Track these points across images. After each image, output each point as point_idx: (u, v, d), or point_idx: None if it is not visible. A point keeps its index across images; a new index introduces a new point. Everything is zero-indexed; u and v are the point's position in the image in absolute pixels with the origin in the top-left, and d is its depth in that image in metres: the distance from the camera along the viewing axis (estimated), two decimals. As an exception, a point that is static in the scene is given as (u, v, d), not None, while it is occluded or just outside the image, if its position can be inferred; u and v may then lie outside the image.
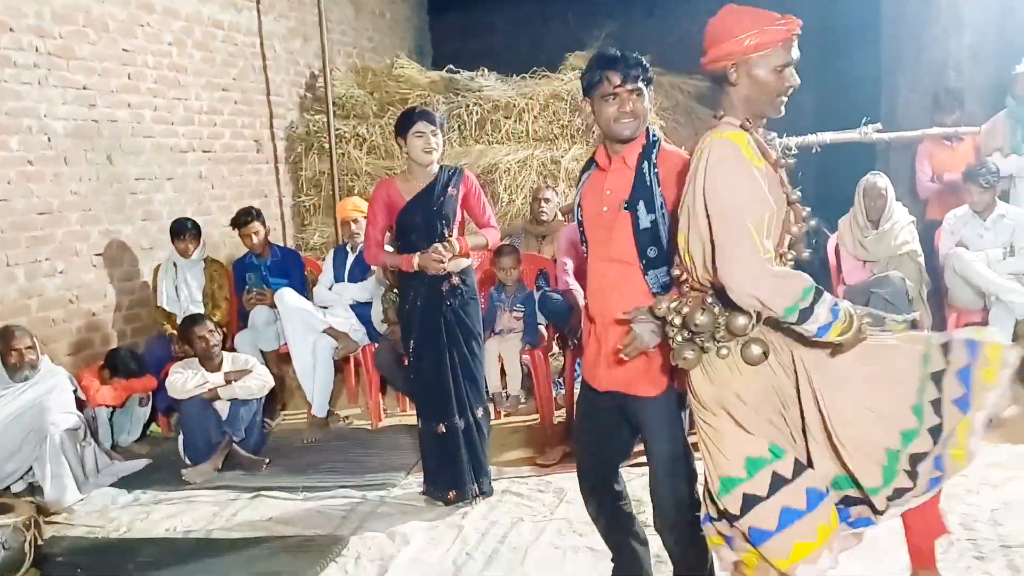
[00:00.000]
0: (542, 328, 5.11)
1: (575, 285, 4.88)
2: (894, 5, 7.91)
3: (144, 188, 6.04)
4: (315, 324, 5.49)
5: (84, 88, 5.54)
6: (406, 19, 10.05)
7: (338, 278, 5.77)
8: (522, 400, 5.25)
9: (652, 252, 2.60)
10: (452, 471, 4.06)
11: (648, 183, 2.62)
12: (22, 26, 5.12)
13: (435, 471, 4.13)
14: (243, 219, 5.81)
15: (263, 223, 5.87)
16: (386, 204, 4.07)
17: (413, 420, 4.24)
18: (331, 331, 5.50)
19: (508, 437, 4.99)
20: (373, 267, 5.42)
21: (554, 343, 5.30)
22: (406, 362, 4.29)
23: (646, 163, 2.63)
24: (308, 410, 5.56)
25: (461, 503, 4.04)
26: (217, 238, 6.58)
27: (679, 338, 2.32)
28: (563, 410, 5.10)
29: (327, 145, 7.27)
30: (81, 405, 4.85)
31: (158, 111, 6.16)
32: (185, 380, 4.87)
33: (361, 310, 5.63)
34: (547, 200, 5.89)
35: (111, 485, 4.66)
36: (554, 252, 5.56)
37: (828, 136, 6.22)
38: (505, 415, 5.32)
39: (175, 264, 5.76)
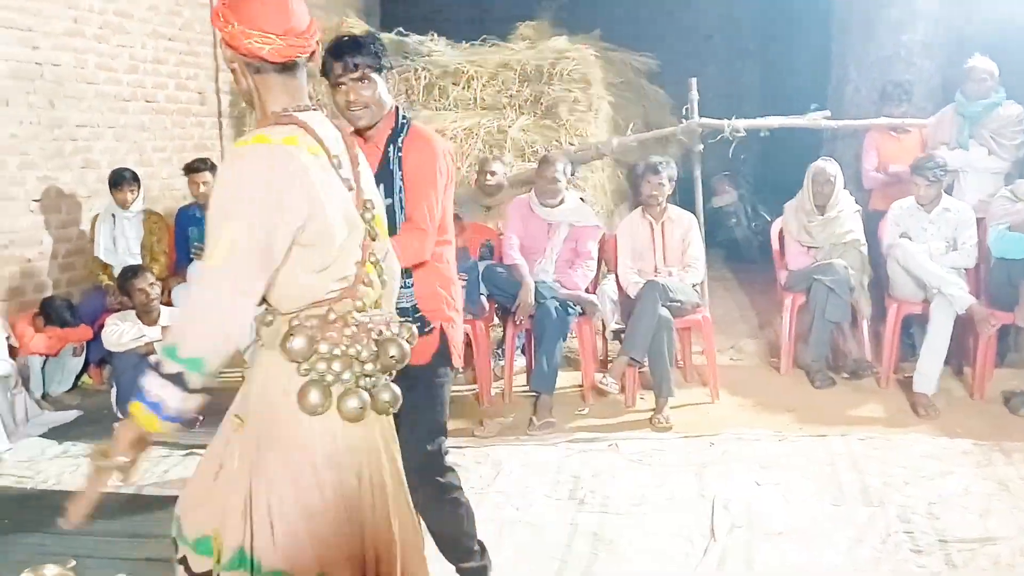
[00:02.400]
0: (484, 299, 5.19)
1: (520, 260, 4.98)
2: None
3: (85, 135, 5.92)
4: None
5: (28, 30, 5.39)
6: (356, -22, 9.90)
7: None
8: (460, 370, 5.34)
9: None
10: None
11: (391, 167, 2.65)
12: (-36, -39, 4.96)
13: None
14: (197, 165, 5.82)
15: (211, 179, 5.82)
16: None
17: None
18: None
19: (445, 407, 5.07)
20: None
21: (495, 315, 5.38)
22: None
23: (391, 147, 2.66)
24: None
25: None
26: (157, 191, 6.48)
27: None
28: (501, 382, 5.21)
29: (272, 101, 7.19)
30: (13, 352, 4.79)
31: (102, 57, 6.03)
32: (121, 333, 4.83)
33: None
34: (493, 173, 5.92)
35: (40, 436, 4.64)
36: (499, 224, 5.65)
37: (776, 121, 6.35)
38: (441, 384, 5.39)
39: (113, 215, 5.68)
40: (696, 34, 11.50)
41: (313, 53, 1.93)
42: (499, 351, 5.49)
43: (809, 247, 5.44)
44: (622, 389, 4.97)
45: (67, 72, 5.72)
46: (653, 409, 4.81)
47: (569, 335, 5.15)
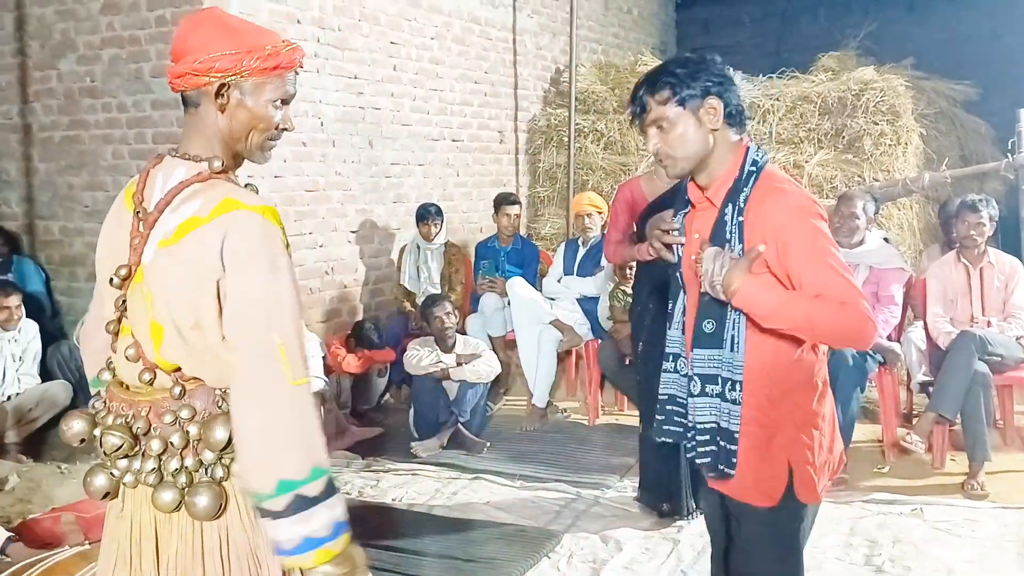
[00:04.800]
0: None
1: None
2: None
3: (397, 172, 6.44)
4: (542, 315, 5.63)
5: (355, 77, 5.97)
6: (652, 15, 10.00)
7: (567, 271, 5.88)
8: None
9: (708, 326, 2.11)
10: (669, 482, 4.02)
11: (727, 232, 2.07)
12: (307, 18, 5.57)
13: (651, 479, 4.12)
14: (510, 198, 6.18)
15: (520, 212, 6.16)
16: (629, 204, 4.07)
17: (630, 420, 4.22)
18: (557, 323, 5.62)
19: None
20: (603, 264, 5.49)
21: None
22: (628, 362, 4.29)
23: (730, 206, 2.07)
24: (528, 399, 5.73)
25: (676, 516, 4.01)
26: (457, 223, 6.89)
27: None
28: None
29: (566, 139, 7.43)
30: (328, 371, 5.26)
31: (416, 100, 6.54)
32: (420, 357, 5.15)
33: (588, 305, 5.71)
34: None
35: (348, 449, 5.03)
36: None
37: None
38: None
39: (418, 246, 6.10)
40: (1024, 58, 10.41)
41: (186, 88, 1.68)
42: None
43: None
44: (929, 448, 4.55)
45: (385, 115, 6.26)
46: (966, 473, 4.35)
47: (868, 385, 4.80)
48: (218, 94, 1.66)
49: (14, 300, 4.87)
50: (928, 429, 4.47)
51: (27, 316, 4.97)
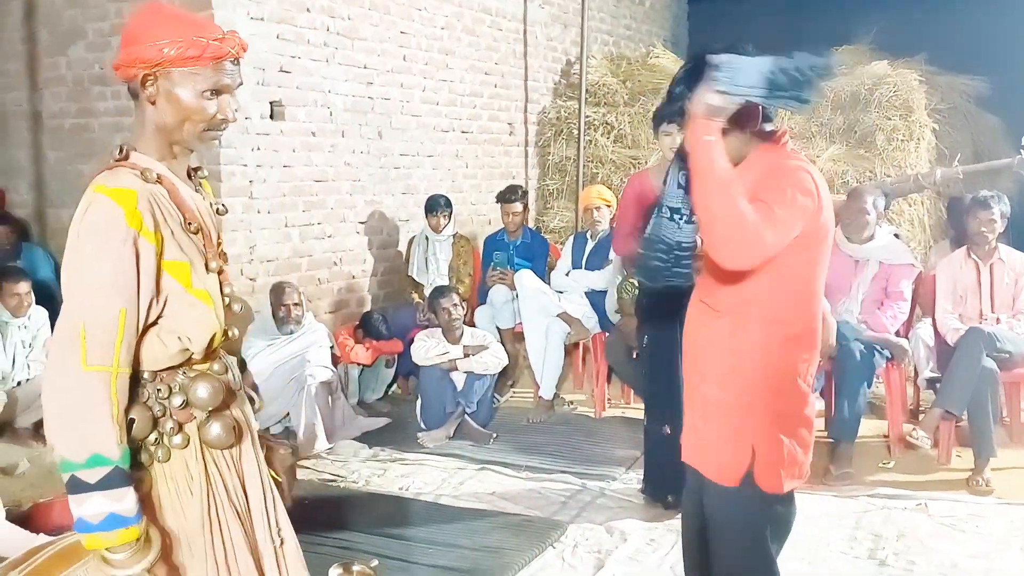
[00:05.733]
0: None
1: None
2: None
3: (407, 164, 6.45)
4: (550, 308, 5.64)
5: (364, 67, 5.98)
6: (664, 6, 9.97)
7: (576, 265, 5.87)
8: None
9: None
10: (674, 475, 4.00)
11: None
12: (317, 6, 5.58)
13: (656, 472, 4.12)
14: (510, 195, 6.08)
15: (526, 206, 6.12)
16: (638, 197, 4.07)
17: (636, 414, 4.23)
18: (565, 316, 5.62)
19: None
20: (612, 257, 5.49)
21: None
22: (635, 355, 4.29)
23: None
24: (535, 391, 5.73)
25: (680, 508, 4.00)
26: (465, 215, 6.90)
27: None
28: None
29: (576, 131, 7.41)
30: (335, 361, 5.28)
31: (426, 91, 6.54)
32: (428, 348, 5.16)
33: (595, 298, 5.70)
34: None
35: (355, 439, 5.05)
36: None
37: None
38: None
39: (427, 238, 6.11)
40: (1039, 54, 10.32)
41: (123, 79, 1.71)
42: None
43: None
44: (935, 444, 4.53)
45: (395, 106, 6.26)
46: (971, 469, 4.34)
47: (875, 380, 4.78)
48: (143, 84, 1.67)
49: (24, 287, 4.90)
50: (934, 424, 4.46)
51: (36, 303, 5.00)
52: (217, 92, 1.69)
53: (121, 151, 1.69)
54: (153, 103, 1.68)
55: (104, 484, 1.54)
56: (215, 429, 1.72)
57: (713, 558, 2.36)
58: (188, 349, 1.71)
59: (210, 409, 1.72)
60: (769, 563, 2.31)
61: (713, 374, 2.26)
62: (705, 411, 2.30)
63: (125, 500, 1.56)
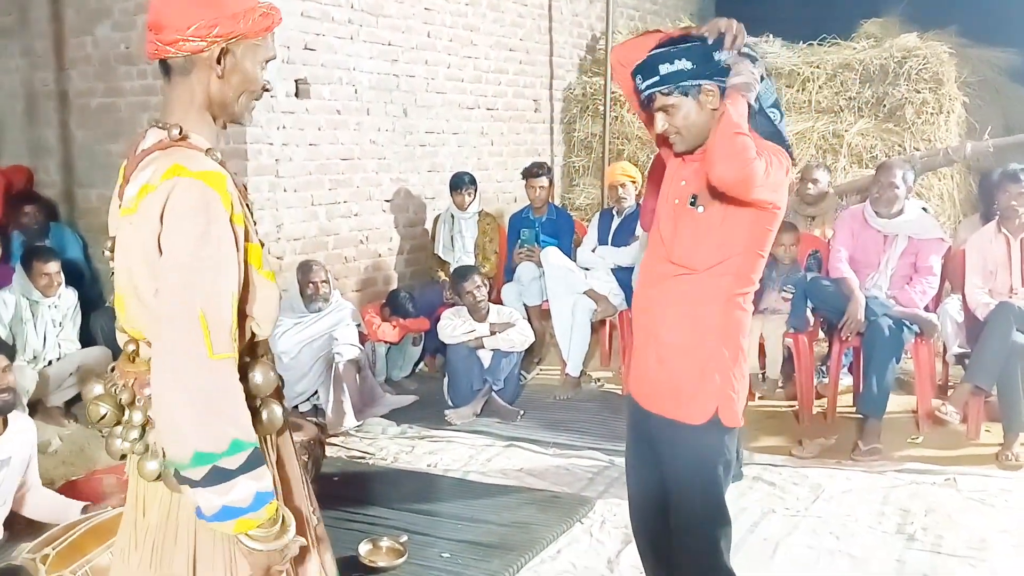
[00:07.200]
0: (809, 312, 4.94)
1: (849, 273, 4.68)
2: None
3: (432, 141, 6.44)
4: (577, 285, 5.63)
5: (389, 44, 5.97)
6: (691, -20, 9.85)
7: (602, 241, 5.86)
8: (780, 385, 5.14)
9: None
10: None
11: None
12: (340, -16, 5.58)
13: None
14: (536, 170, 6.07)
15: (551, 181, 6.11)
16: (658, 174, 4.05)
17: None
18: (591, 293, 5.61)
19: (763, 422, 4.90)
20: (638, 233, 5.47)
21: (820, 329, 5.11)
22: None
23: None
24: (562, 368, 5.74)
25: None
26: (491, 193, 6.89)
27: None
28: (824, 399, 4.94)
29: (602, 108, 7.36)
30: (363, 339, 5.31)
31: (451, 68, 6.52)
32: (455, 326, 5.18)
33: (622, 275, 5.69)
34: (816, 181, 5.65)
35: (383, 416, 5.08)
36: (824, 234, 5.38)
37: None
38: (760, 398, 5.22)
39: (452, 215, 6.11)
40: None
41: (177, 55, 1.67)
42: (823, 368, 5.21)
43: None
44: (964, 419, 4.50)
45: (420, 83, 6.25)
46: (1000, 444, 4.31)
47: (904, 356, 4.76)
48: (218, 60, 1.65)
49: (53, 266, 4.96)
50: (964, 400, 4.43)
51: (66, 283, 5.06)
52: (269, 61, 1.73)
53: (180, 132, 1.66)
54: (221, 76, 1.67)
55: (247, 467, 1.55)
56: (276, 411, 1.73)
57: (672, 505, 2.42)
58: (255, 333, 1.71)
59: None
60: (722, 501, 2.40)
61: (677, 323, 2.35)
62: (667, 356, 2.37)
63: (265, 477, 1.59)
